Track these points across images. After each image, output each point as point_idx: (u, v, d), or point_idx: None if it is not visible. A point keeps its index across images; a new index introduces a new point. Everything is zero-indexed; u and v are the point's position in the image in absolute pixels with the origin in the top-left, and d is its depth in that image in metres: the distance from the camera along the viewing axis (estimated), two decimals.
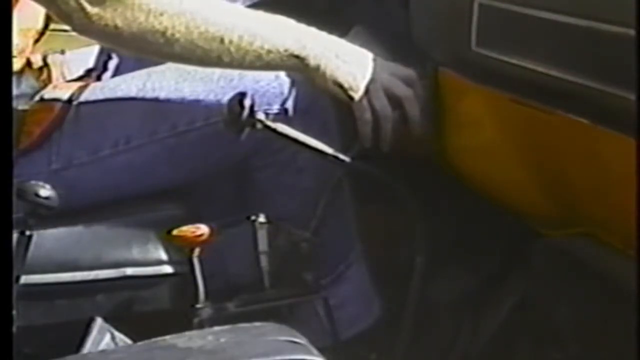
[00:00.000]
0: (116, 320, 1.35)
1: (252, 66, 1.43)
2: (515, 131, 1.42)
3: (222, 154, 1.56)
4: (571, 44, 1.24)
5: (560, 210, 1.44)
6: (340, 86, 1.44)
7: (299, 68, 1.44)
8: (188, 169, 1.57)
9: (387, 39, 1.58)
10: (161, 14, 1.36)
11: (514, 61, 1.34)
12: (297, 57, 1.42)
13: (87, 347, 1.29)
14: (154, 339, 0.93)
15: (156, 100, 1.55)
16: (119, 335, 1.31)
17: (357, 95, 1.44)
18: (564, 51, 1.26)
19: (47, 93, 1.56)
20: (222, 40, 1.38)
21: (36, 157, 1.52)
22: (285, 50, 1.41)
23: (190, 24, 1.37)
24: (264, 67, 1.43)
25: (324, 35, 1.45)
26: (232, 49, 1.39)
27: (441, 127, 1.56)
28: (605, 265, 1.38)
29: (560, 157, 1.36)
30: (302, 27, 1.45)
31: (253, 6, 1.55)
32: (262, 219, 1.47)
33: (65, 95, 1.56)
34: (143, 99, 1.55)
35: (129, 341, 1.30)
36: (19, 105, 1.53)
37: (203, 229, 1.45)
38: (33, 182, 1.36)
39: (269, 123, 1.43)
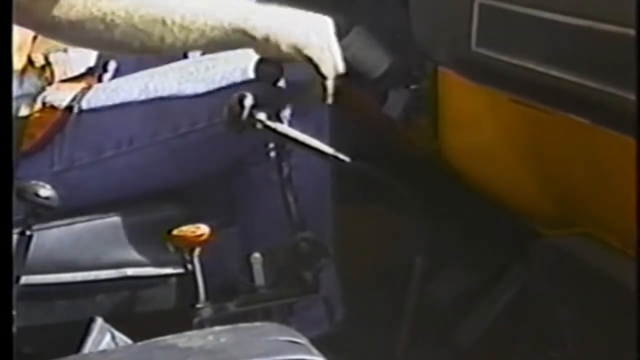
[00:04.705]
0: (116, 321, 1.35)
1: (195, 45, 1.39)
2: (515, 131, 1.42)
3: (224, 154, 1.56)
4: (571, 44, 1.24)
5: (560, 210, 1.45)
6: (295, 47, 1.39)
7: (246, 42, 1.39)
8: (190, 170, 1.57)
9: (387, 39, 1.58)
10: (99, 0, 1.32)
11: (514, 61, 1.34)
12: (242, 30, 1.37)
13: (88, 347, 1.29)
14: (154, 339, 0.93)
15: (159, 101, 1.55)
16: (119, 335, 1.31)
17: (313, 52, 1.40)
18: (564, 51, 1.26)
19: (50, 95, 1.56)
20: (163, 22, 1.34)
21: (38, 160, 1.52)
22: (229, 24, 1.37)
23: (129, 8, 1.33)
24: (209, 44, 1.39)
25: (269, 7, 1.41)
26: (175, 29, 1.35)
27: (441, 126, 1.57)
28: (604, 265, 1.39)
29: (560, 157, 1.37)
30: (247, 1, 1.42)
31: None
32: (256, 254, 1.47)
33: (67, 98, 1.56)
34: (145, 100, 1.55)
35: (129, 341, 1.30)
36: (22, 105, 1.53)
37: (203, 229, 1.45)
38: (33, 182, 1.36)
39: (269, 123, 1.43)
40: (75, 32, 1.35)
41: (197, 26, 1.36)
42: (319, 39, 1.41)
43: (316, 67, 1.41)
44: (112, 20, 1.33)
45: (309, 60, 1.40)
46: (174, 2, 1.36)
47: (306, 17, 1.42)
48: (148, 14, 1.34)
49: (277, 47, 1.39)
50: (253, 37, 1.38)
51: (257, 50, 1.42)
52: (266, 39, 1.38)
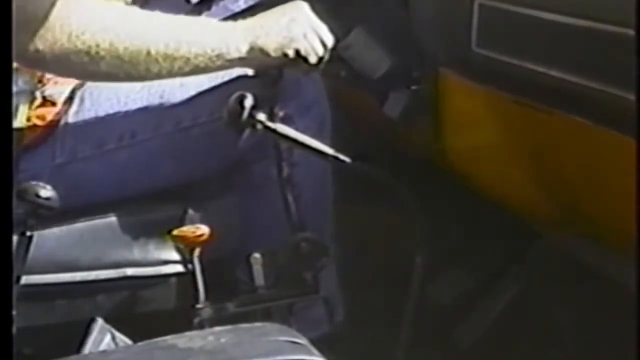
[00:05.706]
0: (117, 321, 1.35)
1: (181, 72, 1.41)
2: (515, 131, 1.42)
3: (225, 150, 1.56)
4: (571, 44, 1.24)
5: (560, 210, 1.45)
6: (282, 45, 1.42)
7: (233, 65, 1.43)
8: (192, 165, 1.57)
9: (387, 39, 1.58)
10: (83, 33, 1.33)
11: (514, 61, 1.34)
12: (225, 57, 1.40)
13: (88, 347, 1.29)
14: (154, 340, 0.93)
15: (161, 95, 1.55)
16: (119, 336, 1.31)
17: (299, 43, 1.42)
18: (564, 51, 1.26)
19: (49, 89, 1.56)
20: (148, 52, 1.37)
21: (40, 153, 1.51)
22: (212, 50, 1.40)
23: (114, 40, 1.35)
24: (195, 70, 1.42)
25: (246, 20, 1.44)
26: (159, 58, 1.37)
27: (441, 127, 1.57)
28: (605, 265, 1.39)
29: (560, 157, 1.37)
30: (224, 24, 1.44)
31: (253, 7, 1.56)
32: (256, 254, 1.47)
33: (67, 90, 1.56)
34: (148, 94, 1.55)
35: (129, 341, 1.30)
36: (21, 102, 1.52)
37: (203, 229, 1.45)
38: (34, 182, 1.35)
39: (269, 124, 1.43)
40: (60, 65, 1.36)
41: (181, 54, 1.38)
42: (301, 27, 1.43)
43: (305, 60, 1.42)
44: (97, 53, 1.34)
45: (298, 53, 1.42)
46: (157, 32, 1.38)
47: (280, 12, 1.44)
48: (132, 45, 1.36)
49: (266, 54, 1.41)
50: (240, 58, 1.40)
51: (250, 66, 1.44)
52: (252, 54, 1.41)
